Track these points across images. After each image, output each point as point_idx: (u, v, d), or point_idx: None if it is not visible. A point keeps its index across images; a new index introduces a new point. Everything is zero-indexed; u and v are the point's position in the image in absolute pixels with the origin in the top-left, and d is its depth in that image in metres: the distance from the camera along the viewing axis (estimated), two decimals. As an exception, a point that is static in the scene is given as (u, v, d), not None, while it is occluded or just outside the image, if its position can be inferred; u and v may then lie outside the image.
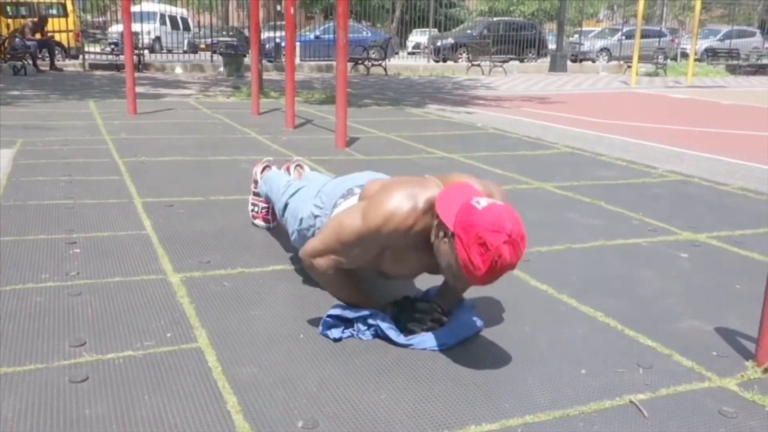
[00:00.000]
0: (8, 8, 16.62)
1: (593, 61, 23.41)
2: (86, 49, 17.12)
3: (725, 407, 1.79)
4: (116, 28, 18.87)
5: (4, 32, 15.04)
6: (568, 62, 20.38)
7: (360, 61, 17.59)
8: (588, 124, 8.03)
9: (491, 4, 33.55)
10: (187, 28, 24.65)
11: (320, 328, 2.14)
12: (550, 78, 17.38)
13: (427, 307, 2.17)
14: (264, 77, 11.00)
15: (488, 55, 18.97)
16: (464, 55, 20.70)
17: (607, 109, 10.14)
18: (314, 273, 2.15)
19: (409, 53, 26.92)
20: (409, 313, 2.15)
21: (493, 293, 2.50)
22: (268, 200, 3.08)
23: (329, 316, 2.14)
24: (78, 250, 2.87)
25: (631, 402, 1.81)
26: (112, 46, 16.10)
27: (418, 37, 27.49)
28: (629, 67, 17.27)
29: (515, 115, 8.72)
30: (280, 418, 1.68)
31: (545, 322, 2.30)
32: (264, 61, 13.53)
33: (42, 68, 14.01)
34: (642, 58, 17.42)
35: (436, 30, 24.35)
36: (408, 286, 2.56)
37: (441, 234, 1.87)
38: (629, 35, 22.38)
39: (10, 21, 16.08)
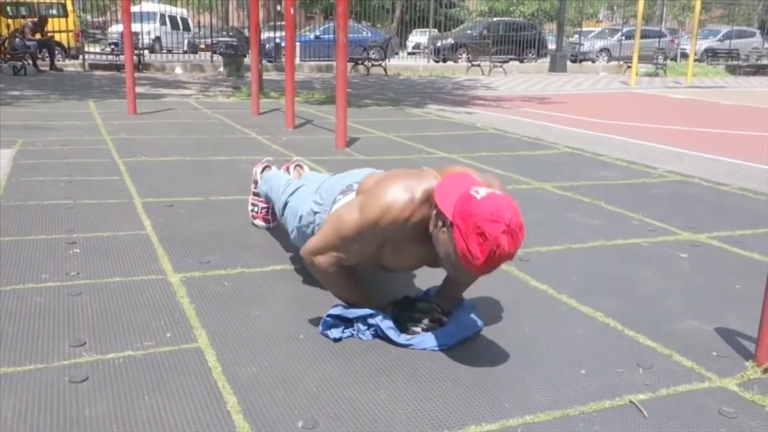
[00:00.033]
0: (8, 8, 16.62)
1: (593, 62, 23.44)
2: (86, 49, 17.12)
3: (725, 407, 1.79)
4: (116, 28, 18.89)
5: (4, 32, 15.04)
6: (568, 62, 20.39)
7: (360, 62, 17.59)
8: (588, 125, 8.03)
9: (491, 4, 33.58)
10: (187, 28, 24.66)
11: (320, 328, 2.14)
12: (550, 78, 17.38)
13: (427, 307, 2.17)
14: (264, 77, 11.00)
15: (488, 56, 18.97)
16: (464, 56, 20.70)
17: (606, 109, 10.14)
18: (315, 271, 2.15)
19: (409, 53, 26.93)
20: (409, 313, 2.15)
21: (493, 293, 2.50)
22: (268, 200, 3.08)
23: (329, 315, 2.14)
24: (78, 250, 2.87)
25: (631, 402, 1.81)
26: (112, 46, 16.10)
27: (418, 37, 27.50)
28: (629, 67, 17.27)
29: (515, 116, 8.72)
30: (280, 418, 1.68)
31: (545, 322, 2.30)
32: (264, 62, 13.54)
33: (42, 68, 14.01)
34: (642, 59, 17.42)
35: (436, 30, 24.36)
36: (408, 286, 2.56)
37: (440, 223, 1.86)
38: (629, 35, 22.41)
39: (10, 21, 16.07)
